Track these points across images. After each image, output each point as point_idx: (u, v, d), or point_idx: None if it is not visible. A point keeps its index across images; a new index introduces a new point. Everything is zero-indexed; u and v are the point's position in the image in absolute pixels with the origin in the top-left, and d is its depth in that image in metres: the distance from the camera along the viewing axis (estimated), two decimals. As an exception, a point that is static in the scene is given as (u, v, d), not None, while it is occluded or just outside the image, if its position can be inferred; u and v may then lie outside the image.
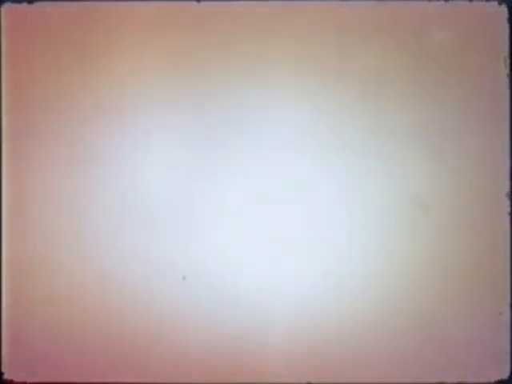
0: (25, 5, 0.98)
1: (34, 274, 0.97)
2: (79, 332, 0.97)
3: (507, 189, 0.95)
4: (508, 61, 0.95)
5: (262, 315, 0.96)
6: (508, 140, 0.96)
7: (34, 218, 0.97)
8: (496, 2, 0.96)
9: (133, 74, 0.97)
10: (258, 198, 0.97)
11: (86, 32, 0.98)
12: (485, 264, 0.96)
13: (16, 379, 0.96)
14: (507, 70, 0.95)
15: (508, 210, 0.95)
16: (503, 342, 0.95)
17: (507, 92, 0.96)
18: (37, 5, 0.98)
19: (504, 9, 0.95)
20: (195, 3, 0.97)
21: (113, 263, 0.97)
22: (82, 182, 0.97)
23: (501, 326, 0.95)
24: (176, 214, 0.97)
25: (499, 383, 0.94)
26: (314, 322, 0.96)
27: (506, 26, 0.95)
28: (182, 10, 0.97)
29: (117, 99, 0.98)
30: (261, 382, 0.95)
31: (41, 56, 0.98)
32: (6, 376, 0.96)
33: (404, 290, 0.96)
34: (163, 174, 0.97)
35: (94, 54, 0.98)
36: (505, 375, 0.94)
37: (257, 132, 0.97)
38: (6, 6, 0.98)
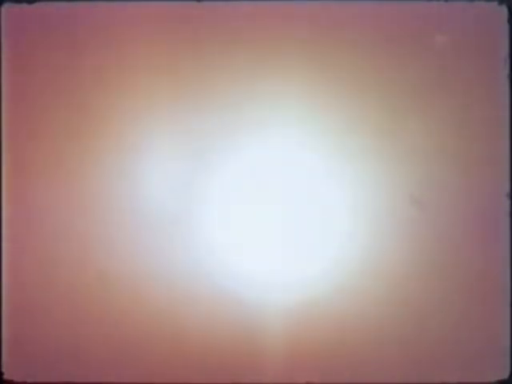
0: (25, 5, 0.98)
1: (35, 273, 0.97)
2: (79, 332, 0.97)
3: (507, 189, 0.95)
4: (508, 61, 0.95)
5: (262, 315, 0.96)
6: (508, 140, 0.96)
7: (33, 218, 0.97)
8: (496, 3, 0.96)
9: (133, 74, 0.97)
10: (257, 199, 0.97)
11: (86, 32, 0.98)
12: (485, 264, 0.96)
13: (16, 379, 0.96)
14: (507, 70, 0.96)
15: (508, 209, 0.95)
16: (503, 342, 0.95)
17: (507, 92, 0.96)
18: (37, 5, 0.98)
19: (504, 9, 0.96)
20: (195, 3, 0.97)
21: (112, 264, 0.97)
22: (82, 183, 0.97)
23: (501, 325, 0.95)
24: (175, 214, 0.97)
25: (499, 383, 0.94)
26: (314, 322, 0.96)
27: (506, 26, 0.96)
28: (182, 9, 0.97)
29: (117, 99, 0.98)
30: (261, 382, 0.95)
31: (41, 56, 0.98)
32: (6, 376, 0.96)
33: (404, 290, 0.96)
34: (163, 174, 0.97)
35: (93, 54, 0.98)
36: (505, 375, 0.94)
37: (258, 133, 0.97)
38: (6, 5, 0.98)
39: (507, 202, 0.95)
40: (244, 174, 0.98)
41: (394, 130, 0.97)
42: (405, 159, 0.97)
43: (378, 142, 0.97)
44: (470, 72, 0.97)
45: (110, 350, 0.97)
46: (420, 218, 0.96)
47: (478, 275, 0.96)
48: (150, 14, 0.98)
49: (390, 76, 0.97)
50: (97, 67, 0.98)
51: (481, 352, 0.95)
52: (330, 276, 0.96)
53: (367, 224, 0.96)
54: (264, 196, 0.97)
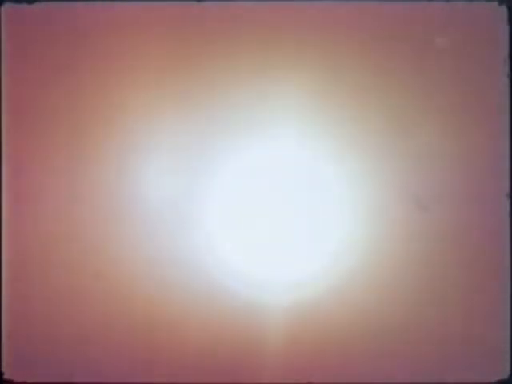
0: (25, 5, 0.98)
1: (34, 273, 0.97)
2: (79, 332, 0.97)
3: (507, 189, 0.95)
4: (508, 61, 0.95)
5: (262, 314, 0.96)
6: (508, 140, 0.96)
7: (34, 218, 0.97)
8: (496, 3, 0.96)
9: (133, 73, 0.97)
10: (257, 199, 0.97)
11: (85, 32, 0.98)
12: (484, 264, 0.96)
13: (16, 379, 0.96)
14: (507, 70, 0.96)
15: (508, 209, 0.95)
16: (503, 342, 0.95)
17: (507, 92, 0.96)
18: (37, 5, 0.98)
19: (504, 9, 0.96)
20: (195, 3, 0.97)
21: (112, 263, 0.97)
22: (82, 182, 0.97)
23: (501, 325, 0.95)
24: (176, 213, 0.97)
25: (499, 383, 0.94)
26: (314, 322, 0.96)
27: (506, 26, 0.96)
28: (182, 10, 0.98)
29: (117, 99, 0.98)
30: (261, 382, 0.95)
31: (41, 56, 0.98)
32: (6, 376, 0.96)
33: (404, 290, 0.96)
34: (164, 173, 0.97)
35: (93, 54, 0.98)
36: (505, 375, 0.94)
37: (258, 133, 0.97)
38: (6, 5, 0.98)
39: (507, 202, 0.95)
40: (244, 174, 0.98)
41: (395, 130, 0.97)
42: (405, 159, 0.97)
43: (378, 142, 0.97)
44: (470, 72, 0.97)
45: (110, 349, 0.97)
46: (420, 218, 0.96)
47: (478, 275, 0.96)
48: (150, 15, 0.98)
49: (390, 76, 0.97)
50: (97, 67, 0.98)
51: (481, 352, 0.95)
52: (330, 276, 0.96)
53: (367, 224, 0.96)
54: (264, 196, 0.97)
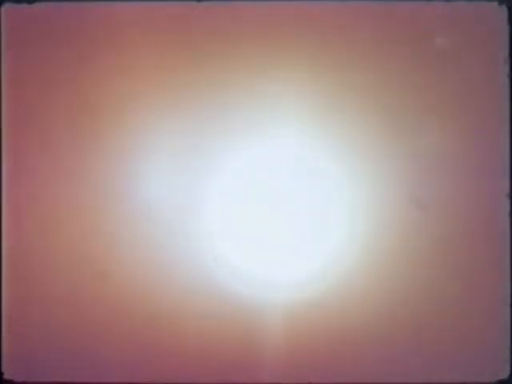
0: (25, 5, 0.98)
1: (35, 273, 0.97)
2: (79, 332, 0.97)
3: (507, 189, 0.95)
4: (508, 61, 0.95)
5: (262, 314, 0.96)
6: (508, 140, 0.96)
7: (34, 217, 0.97)
8: (496, 3, 0.96)
9: (133, 73, 0.97)
10: (257, 199, 0.97)
11: (85, 32, 0.98)
12: (484, 264, 0.96)
13: (16, 379, 0.96)
14: (507, 70, 0.96)
15: (508, 209, 0.95)
16: (503, 342, 0.95)
17: (507, 92, 0.96)
18: (37, 5, 0.98)
19: (504, 9, 0.96)
20: (195, 3, 0.97)
21: (112, 263, 0.97)
22: (83, 181, 0.97)
23: (500, 325, 0.95)
24: (176, 213, 0.97)
25: (499, 383, 0.94)
26: (314, 322, 0.96)
27: (506, 26, 0.96)
28: (182, 10, 0.97)
29: (117, 99, 0.98)
30: (261, 382, 0.95)
31: (41, 56, 0.98)
32: (6, 376, 0.96)
33: (404, 290, 0.96)
34: (164, 174, 0.97)
35: (93, 54, 0.98)
36: (505, 375, 0.94)
37: (257, 133, 0.97)
38: (6, 5, 0.98)
39: (507, 202, 0.95)
40: (244, 174, 0.98)
41: (394, 130, 0.97)
42: (405, 159, 0.97)
43: (378, 142, 0.97)
44: (470, 72, 0.97)
45: (110, 349, 0.97)
46: (420, 218, 0.96)
47: (478, 275, 0.96)
48: (150, 14, 0.98)
49: (390, 76, 0.97)
50: (97, 67, 0.98)
51: (481, 352, 0.95)
52: (329, 276, 0.96)
53: (367, 224, 0.96)
54: (264, 196, 0.97)
